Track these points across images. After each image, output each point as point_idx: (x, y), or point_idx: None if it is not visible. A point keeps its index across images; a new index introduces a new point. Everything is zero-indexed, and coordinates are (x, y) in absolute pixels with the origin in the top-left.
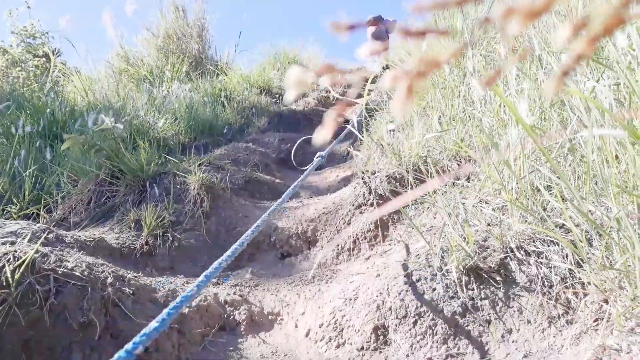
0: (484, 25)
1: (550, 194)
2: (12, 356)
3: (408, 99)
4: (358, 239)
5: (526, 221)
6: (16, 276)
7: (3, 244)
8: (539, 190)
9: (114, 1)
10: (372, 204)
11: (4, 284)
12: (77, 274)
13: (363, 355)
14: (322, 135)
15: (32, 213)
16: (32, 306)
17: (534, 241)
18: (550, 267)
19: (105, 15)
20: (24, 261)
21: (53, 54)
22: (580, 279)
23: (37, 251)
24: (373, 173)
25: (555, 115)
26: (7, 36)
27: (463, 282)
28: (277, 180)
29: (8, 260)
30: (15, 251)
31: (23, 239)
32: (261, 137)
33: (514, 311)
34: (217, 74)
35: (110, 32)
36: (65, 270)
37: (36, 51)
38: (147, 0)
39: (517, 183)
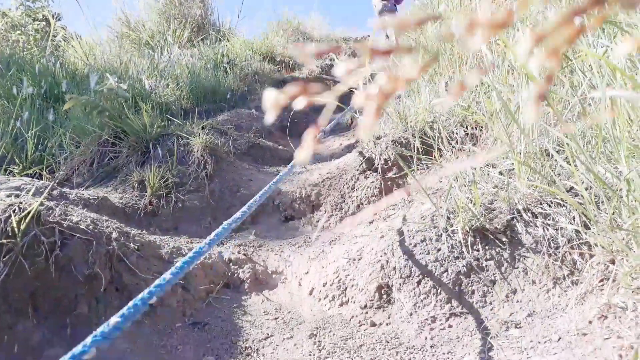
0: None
1: (559, 156)
2: (19, 306)
3: (376, 117)
4: (362, 203)
5: (533, 184)
6: (22, 227)
7: (8, 196)
8: (547, 154)
9: None
10: (376, 169)
11: (10, 234)
12: (82, 227)
13: (366, 313)
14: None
15: (35, 173)
16: (37, 257)
17: (541, 203)
18: (557, 229)
19: None
20: (29, 212)
21: (53, 18)
22: (587, 240)
23: (41, 204)
24: (378, 138)
25: (566, 80)
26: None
27: (469, 243)
28: (280, 147)
29: (14, 211)
30: (21, 202)
31: (27, 193)
32: (264, 104)
33: (519, 272)
34: (220, 40)
35: None
36: (71, 224)
37: (36, 15)
38: None
39: (525, 146)
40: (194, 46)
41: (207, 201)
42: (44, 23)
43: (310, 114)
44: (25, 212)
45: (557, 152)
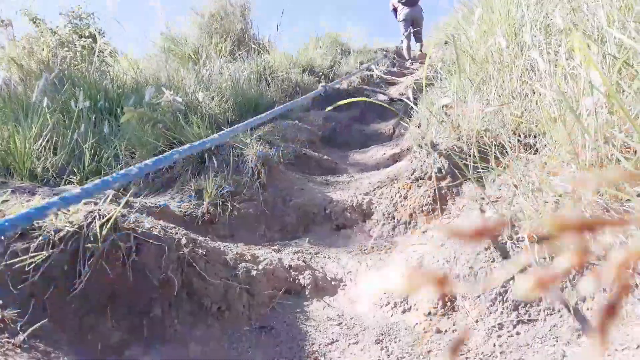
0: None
1: (627, 162)
2: (99, 308)
3: None
4: (415, 212)
5: (599, 192)
6: (103, 232)
7: (85, 204)
8: (614, 161)
9: None
10: (429, 178)
11: (92, 239)
12: (155, 233)
13: (431, 320)
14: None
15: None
16: (116, 261)
17: (607, 211)
18: (628, 237)
19: None
20: (108, 219)
21: (99, 34)
22: None
23: (118, 211)
24: (433, 146)
25: (627, 87)
26: (56, 17)
27: (535, 250)
28: (325, 157)
29: (94, 218)
30: (100, 209)
31: (104, 201)
32: (306, 116)
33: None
34: (260, 52)
35: (157, 12)
36: (144, 230)
37: (82, 32)
38: None
39: (591, 151)
40: (236, 59)
41: (261, 210)
42: (90, 40)
43: (351, 125)
44: (105, 218)
45: (625, 159)
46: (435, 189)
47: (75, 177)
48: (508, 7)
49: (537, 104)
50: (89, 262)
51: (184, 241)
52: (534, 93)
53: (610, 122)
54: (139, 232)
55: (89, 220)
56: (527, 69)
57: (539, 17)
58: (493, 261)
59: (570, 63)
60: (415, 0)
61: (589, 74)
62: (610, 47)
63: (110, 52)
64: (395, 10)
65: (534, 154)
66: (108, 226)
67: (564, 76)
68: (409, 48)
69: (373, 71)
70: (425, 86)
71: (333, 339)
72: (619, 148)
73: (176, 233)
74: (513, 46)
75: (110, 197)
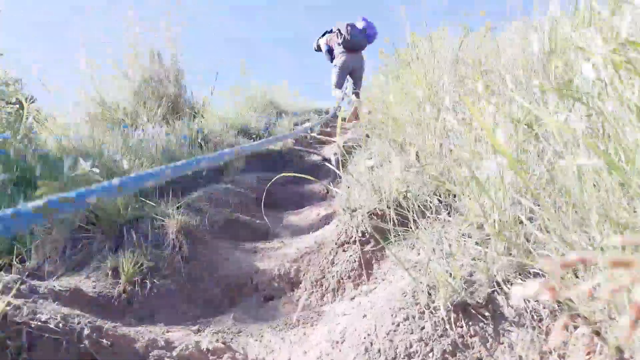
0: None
1: (532, 225)
2: None
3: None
4: (342, 278)
5: (510, 253)
6: None
7: None
8: (521, 222)
9: (88, 45)
10: (354, 242)
11: None
12: (51, 326)
13: None
14: None
15: (4, 263)
16: None
17: (520, 274)
18: (538, 300)
19: (81, 59)
20: None
21: (26, 101)
22: (569, 311)
23: (8, 304)
24: (354, 210)
25: (532, 148)
26: None
27: (452, 319)
28: (257, 221)
29: None
30: None
31: None
32: (240, 178)
33: (505, 347)
34: (194, 115)
35: (85, 76)
36: (39, 323)
37: (9, 98)
38: (123, 45)
39: (498, 216)
40: (169, 124)
41: (183, 285)
42: (17, 106)
43: (285, 185)
44: None
45: (530, 220)
46: (359, 254)
47: None
48: (425, 70)
49: (455, 162)
50: None
51: (86, 332)
52: (451, 152)
53: (515, 184)
54: (34, 325)
55: None
56: (445, 129)
57: (453, 80)
58: (412, 333)
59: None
60: (359, 45)
61: (493, 135)
62: (516, 110)
63: (37, 118)
64: (329, 50)
65: (454, 214)
66: None
67: (473, 138)
68: (342, 98)
69: (308, 132)
70: (354, 147)
71: None
72: (526, 212)
73: (79, 322)
74: (431, 108)
75: (7, 286)
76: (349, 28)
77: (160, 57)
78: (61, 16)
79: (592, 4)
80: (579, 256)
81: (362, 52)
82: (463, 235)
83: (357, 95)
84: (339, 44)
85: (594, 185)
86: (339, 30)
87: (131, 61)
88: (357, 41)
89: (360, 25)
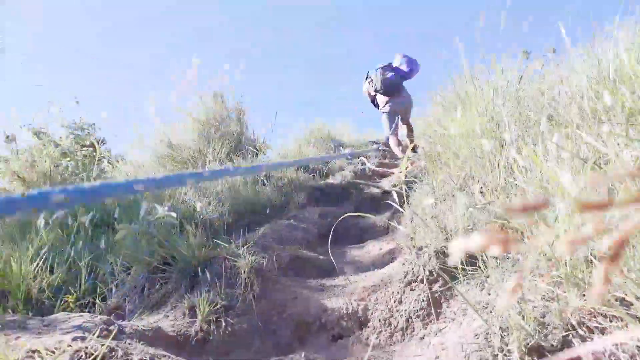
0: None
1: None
2: None
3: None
4: (411, 317)
5: (584, 295)
6: None
7: (74, 339)
8: (592, 262)
9: (156, 92)
10: (422, 281)
11: None
12: None
13: None
14: None
15: (88, 302)
16: None
17: (595, 316)
18: (616, 344)
19: (150, 105)
20: (95, 358)
21: (98, 143)
22: None
23: (106, 346)
24: (420, 248)
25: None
26: (57, 129)
27: None
28: (321, 257)
29: (80, 358)
30: (87, 347)
31: (93, 334)
32: (301, 213)
33: None
34: (256, 153)
35: (154, 120)
36: None
37: (84, 141)
38: (188, 89)
39: (570, 258)
40: (232, 161)
41: (255, 324)
42: (92, 149)
43: (346, 218)
44: (92, 357)
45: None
46: (428, 293)
47: (71, 297)
48: (485, 103)
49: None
50: None
51: None
52: (517, 187)
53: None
54: None
55: None
56: (508, 164)
57: (515, 112)
58: None
59: (547, 158)
60: (397, 87)
61: (561, 176)
62: (583, 149)
63: (109, 160)
64: (373, 99)
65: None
66: None
67: (542, 173)
68: (398, 143)
69: (365, 164)
70: (414, 181)
71: None
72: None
73: None
74: (493, 141)
75: (100, 328)
76: (380, 74)
77: (223, 98)
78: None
79: None
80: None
81: (405, 88)
82: (534, 275)
83: (411, 138)
84: (376, 90)
85: None
86: (371, 79)
87: (195, 102)
88: (393, 84)
89: (397, 62)
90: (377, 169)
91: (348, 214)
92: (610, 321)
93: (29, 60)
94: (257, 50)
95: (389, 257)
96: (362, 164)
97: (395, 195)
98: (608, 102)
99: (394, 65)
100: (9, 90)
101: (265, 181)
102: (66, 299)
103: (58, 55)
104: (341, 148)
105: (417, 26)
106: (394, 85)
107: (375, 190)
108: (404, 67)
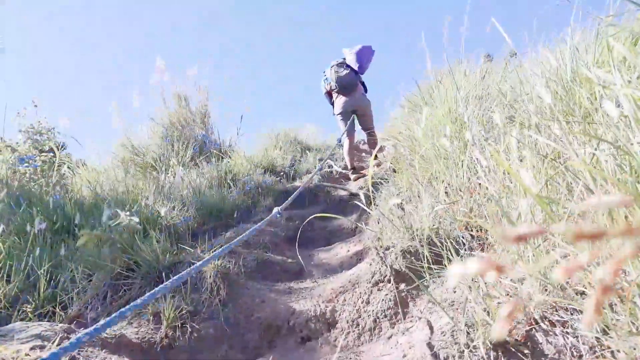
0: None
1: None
2: None
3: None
4: (378, 317)
5: (546, 290)
6: None
7: (32, 348)
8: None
9: (119, 94)
10: (389, 280)
11: None
12: None
13: None
14: None
15: (47, 311)
16: None
17: (557, 310)
18: (577, 337)
19: (113, 109)
20: None
21: (58, 149)
22: (609, 346)
23: (70, 356)
24: (387, 248)
25: (561, 181)
26: (15, 134)
27: (492, 358)
28: (289, 260)
29: None
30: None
31: (52, 342)
32: (268, 216)
33: None
34: (222, 157)
35: (116, 124)
36: None
37: (42, 147)
38: (151, 92)
39: (533, 254)
40: (197, 165)
41: (222, 328)
42: (51, 154)
43: (313, 221)
44: None
45: (564, 255)
46: (395, 293)
47: (29, 306)
48: (449, 105)
49: (485, 197)
50: None
51: None
52: (481, 186)
53: (546, 222)
54: None
55: None
56: (473, 164)
57: (478, 113)
58: None
59: (508, 159)
60: (351, 84)
61: (520, 174)
62: (543, 147)
63: (69, 165)
64: (329, 95)
65: (488, 249)
66: None
67: (505, 173)
68: (350, 151)
69: (332, 167)
70: (380, 182)
71: None
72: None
73: None
74: (457, 142)
75: (60, 336)
76: (334, 72)
77: (188, 101)
78: (92, 62)
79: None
80: (530, 229)
81: (359, 90)
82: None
83: (372, 140)
84: (332, 89)
85: (625, 217)
86: (326, 77)
87: (159, 106)
88: (347, 81)
89: (348, 58)
90: (344, 171)
91: (315, 215)
92: (572, 314)
93: None
94: (232, 47)
95: (357, 258)
96: (329, 166)
97: (362, 197)
98: (549, 101)
99: (347, 62)
100: None
101: (232, 185)
102: (24, 308)
103: (20, 60)
104: (307, 152)
105: (385, 18)
106: (347, 83)
107: (343, 193)
108: (354, 65)
